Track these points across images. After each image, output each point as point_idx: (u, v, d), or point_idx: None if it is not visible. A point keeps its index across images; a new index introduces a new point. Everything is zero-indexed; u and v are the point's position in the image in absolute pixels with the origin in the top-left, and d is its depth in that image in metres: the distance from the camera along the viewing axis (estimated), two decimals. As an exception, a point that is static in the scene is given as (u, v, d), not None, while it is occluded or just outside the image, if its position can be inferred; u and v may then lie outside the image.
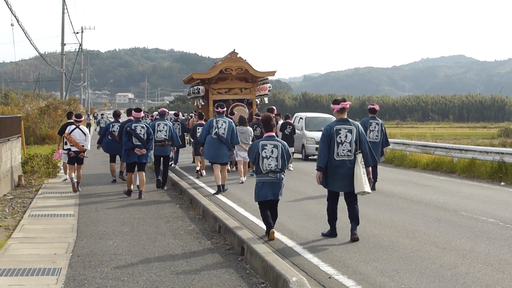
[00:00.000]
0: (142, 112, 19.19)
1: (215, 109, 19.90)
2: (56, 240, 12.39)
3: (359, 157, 12.02)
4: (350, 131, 12.00)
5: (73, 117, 21.44)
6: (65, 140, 20.67)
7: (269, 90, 28.96)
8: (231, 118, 21.65)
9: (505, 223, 13.80)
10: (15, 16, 36.58)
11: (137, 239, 12.37)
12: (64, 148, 20.85)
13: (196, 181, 22.04)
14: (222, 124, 19.24)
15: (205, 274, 9.53)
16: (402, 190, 19.76)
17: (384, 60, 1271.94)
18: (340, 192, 12.56)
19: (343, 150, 11.94)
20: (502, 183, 21.92)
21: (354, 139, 11.97)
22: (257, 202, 12.39)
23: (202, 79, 28.36)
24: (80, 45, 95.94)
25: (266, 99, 29.21)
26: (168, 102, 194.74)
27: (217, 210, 14.43)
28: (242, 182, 21.45)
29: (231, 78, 28.10)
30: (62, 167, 23.95)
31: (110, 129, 22.15)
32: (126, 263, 10.32)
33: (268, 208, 12.18)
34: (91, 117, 77.51)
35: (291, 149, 26.25)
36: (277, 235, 12.48)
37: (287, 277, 8.24)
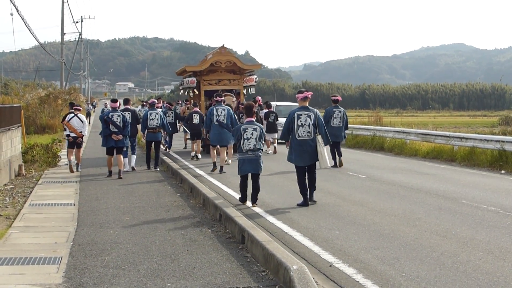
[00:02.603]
0: (117, 102, 21.95)
1: (214, 98, 22.76)
2: (57, 229, 12.40)
3: (320, 138, 14.59)
4: (309, 116, 14.58)
5: (73, 107, 23.08)
6: (64, 126, 22.83)
7: (255, 81, 31.67)
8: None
9: (505, 211, 13.80)
10: (14, 6, 36.53)
11: (138, 228, 12.38)
12: (64, 134, 23.20)
13: (196, 169, 22.10)
14: (221, 112, 21.76)
15: (206, 263, 9.54)
16: (403, 178, 19.75)
17: (384, 48, 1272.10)
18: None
19: (304, 131, 14.53)
20: (503, 171, 21.90)
21: (312, 123, 14.54)
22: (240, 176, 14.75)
23: (194, 71, 31.19)
24: (80, 34, 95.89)
25: (253, 90, 32.04)
26: (168, 92, 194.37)
27: (217, 198, 14.42)
28: (229, 163, 23.49)
29: (220, 71, 30.77)
30: (66, 154, 24.63)
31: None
32: (126, 252, 10.33)
33: (247, 181, 14.72)
34: (90, 106, 77.35)
35: (274, 135, 28.83)
36: (277, 223, 12.56)
37: (288, 265, 8.24)
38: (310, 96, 14.85)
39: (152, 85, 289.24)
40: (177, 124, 31.99)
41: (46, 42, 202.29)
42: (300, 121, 14.54)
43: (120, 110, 21.99)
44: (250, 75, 31.72)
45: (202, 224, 12.80)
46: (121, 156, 21.17)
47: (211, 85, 30.76)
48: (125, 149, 21.82)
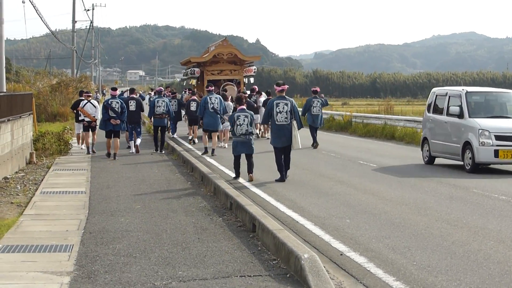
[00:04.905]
0: (117, 90, 24.97)
1: (206, 89, 25.73)
2: (68, 217, 12.43)
3: (295, 123, 16.86)
4: (286, 104, 16.98)
5: (84, 94, 25.48)
6: (79, 112, 24.88)
7: (254, 72, 35.00)
8: (225, 95, 27.48)
9: (517, 201, 13.77)
10: (26, -6, 36.49)
11: (149, 216, 12.40)
12: (79, 119, 25.18)
13: (207, 158, 22.12)
14: (214, 100, 23.68)
15: (217, 251, 9.54)
16: (414, 167, 19.71)
17: (395, 37, 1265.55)
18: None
19: (281, 117, 16.90)
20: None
21: (289, 110, 16.92)
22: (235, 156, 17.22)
23: (198, 62, 34.03)
24: (91, 22, 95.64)
25: (252, 79, 34.93)
26: (178, 80, 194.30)
27: (228, 187, 14.43)
28: (225, 147, 25.78)
29: (222, 62, 33.42)
30: (76, 139, 27.86)
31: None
32: (138, 240, 10.34)
33: (240, 160, 17.17)
34: (98, 94, 77.18)
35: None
36: (288, 212, 12.61)
37: (299, 254, 8.23)
38: (286, 88, 17.41)
39: (163, 73, 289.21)
40: (181, 112, 33.08)
41: (57, 30, 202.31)
42: (279, 108, 16.95)
43: (126, 98, 25.40)
44: (249, 65, 34.75)
45: (213, 212, 12.82)
46: (118, 140, 23.31)
47: (214, 75, 33.29)
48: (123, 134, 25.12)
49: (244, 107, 17.49)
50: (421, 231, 10.73)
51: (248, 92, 31.06)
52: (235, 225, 11.56)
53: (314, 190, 15.24)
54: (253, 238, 10.41)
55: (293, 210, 12.73)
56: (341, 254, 9.32)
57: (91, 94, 26.47)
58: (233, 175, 17.53)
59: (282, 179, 16.84)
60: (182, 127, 34.55)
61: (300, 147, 17.29)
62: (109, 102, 23.21)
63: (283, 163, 17.02)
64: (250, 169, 16.99)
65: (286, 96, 17.33)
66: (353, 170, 19.13)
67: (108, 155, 23.11)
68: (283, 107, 16.92)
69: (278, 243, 9.12)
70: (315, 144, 26.32)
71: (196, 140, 28.91)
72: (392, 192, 14.92)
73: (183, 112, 32.92)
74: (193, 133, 29.45)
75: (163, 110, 24.92)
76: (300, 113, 17.52)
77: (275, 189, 15.32)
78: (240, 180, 17.00)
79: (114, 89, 24.72)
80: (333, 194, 14.61)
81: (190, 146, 27.29)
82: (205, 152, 23.49)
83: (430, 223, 11.42)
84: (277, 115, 16.90)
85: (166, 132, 28.52)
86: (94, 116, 24.40)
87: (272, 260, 9.00)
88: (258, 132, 30.13)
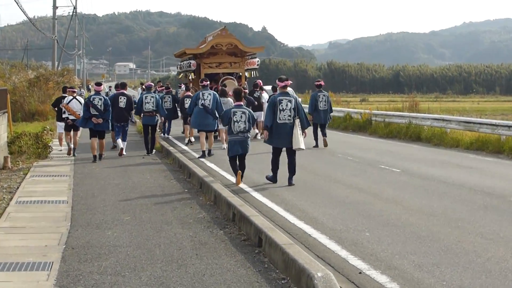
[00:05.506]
0: (102, 86, 25.39)
1: (200, 83, 25.39)
2: (47, 230, 12.40)
3: (297, 121, 17.24)
4: (290, 101, 17.30)
5: (68, 90, 25.90)
6: (62, 110, 25.20)
7: (257, 65, 34.88)
8: (225, 90, 27.17)
9: (561, 211, 13.72)
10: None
11: (140, 229, 12.38)
12: (62, 117, 25.36)
13: (207, 162, 22.11)
14: (207, 96, 23.88)
15: (218, 269, 9.51)
16: (442, 172, 19.68)
17: (421, 24, 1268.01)
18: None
19: (284, 115, 17.20)
20: (558, 165, 21.78)
21: (292, 107, 17.23)
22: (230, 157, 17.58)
23: (194, 54, 34.27)
24: (74, 8, 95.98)
25: (254, 73, 35.00)
26: (174, 73, 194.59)
27: (230, 195, 14.41)
28: (225, 149, 24.10)
29: (221, 53, 33.58)
30: (58, 141, 27.99)
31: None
32: (127, 256, 10.32)
33: (236, 160, 17.53)
34: (83, 90, 77.27)
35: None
36: (299, 223, 12.57)
37: (312, 272, 8.20)
38: (289, 83, 17.91)
39: (156, 65, 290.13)
40: (177, 109, 33.35)
41: (35, 17, 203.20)
42: (282, 105, 17.24)
43: (117, 95, 25.39)
44: (252, 58, 34.79)
45: (213, 224, 12.79)
46: (103, 140, 23.92)
47: (212, 68, 33.49)
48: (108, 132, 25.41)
49: (242, 103, 17.97)
50: (451, 246, 10.69)
51: (247, 89, 31.15)
52: (239, 239, 11.54)
53: (328, 199, 15.22)
54: (259, 254, 10.39)
55: (305, 222, 12.69)
56: (360, 273, 9.29)
57: (75, 90, 26.91)
58: (235, 180, 17.63)
59: (275, 180, 17.49)
60: (178, 126, 34.74)
61: (302, 148, 17.39)
62: (91, 99, 23.63)
63: (279, 163, 17.53)
64: (241, 175, 17.47)
65: (289, 93, 17.76)
66: (373, 175, 19.10)
67: (94, 157, 23.35)
68: (287, 104, 17.25)
69: (288, 259, 9.09)
70: (323, 143, 26.99)
71: (193, 139, 29.43)
72: (418, 201, 14.88)
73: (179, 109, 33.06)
74: (189, 132, 29.89)
75: (152, 107, 25.41)
76: (307, 110, 17.33)
77: (284, 197, 15.29)
78: (243, 186, 16.99)
79: (99, 84, 25.21)
80: (351, 203, 14.58)
81: (186, 148, 27.33)
82: (203, 156, 23.70)
83: (462, 236, 11.38)
84: (280, 113, 17.22)
85: (159, 132, 28.96)
86: (79, 114, 24.47)
87: (281, 280, 8.97)
88: (259, 132, 30.52)
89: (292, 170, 17.41)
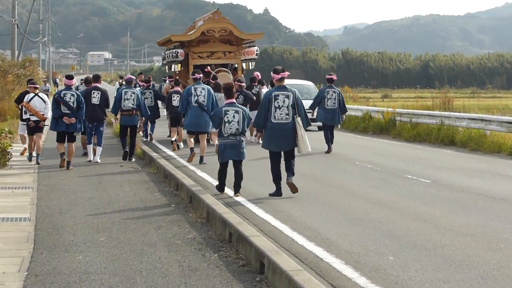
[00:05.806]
0: (73, 79, 25.03)
1: (192, 76, 25.39)
2: (6, 254, 12.41)
3: (299, 120, 17.29)
4: (288, 96, 17.33)
5: (29, 86, 25.58)
6: (24, 109, 24.90)
7: (256, 54, 34.99)
8: (219, 84, 26.23)
9: None
10: None
11: (117, 252, 12.37)
12: (23, 118, 25.24)
13: (198, 171, 22.11)
14: (201, 91, 23.80)
15: (211, 300, 9.50)
16: (481, 184, 19.69)
17: (455, 5, 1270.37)
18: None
19: (281, 114, 17.26)
20: None
21: (291, 104, 17.27)
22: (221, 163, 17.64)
23: (182, 41, 33.99)
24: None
25: (252, 64, 35.58)
26: (159, 64, 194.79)
27: (226, 211, 14.40)
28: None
29: (213, 41, 33.49)
30: (20, 139, 29.01)
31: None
32: (101, 285, 10.32)
33: (226, 169, 17.62)
34: (48, 84, 77.37)
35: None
36: (308, 245, 12.53)
37: (324, 305, 8.19)
38: (286, 75, 17.86)
39: (137, 55, 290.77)
40: (159, 108, 33.54)
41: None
42: (278, 102, 17.31)
43: (89, 89, 25.43)
44: (250, 46, 34.73)
45: (205, 246, 12.81)
46: (73, 145, 23.76)
47: (202, 59, 33.23)
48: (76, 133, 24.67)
49: (234, 100, 17.97)
50: (492, 272, 10.68)
51: (244, 82, 30.87)
52: (236, 264, 11.55)
53: (344, 215, 15.22)
54: (261, 282, 10.40)
55: (316, 243, 12.67)
56: (383, 305, 9.28)
57: (38, 86, 26.51)
58: (232, 193, 17.64)
59: (279, 193, 17.39)
60: (162, 127, 34.80)
61: (310, 151, 17.87)
62: (62, 95, 23.41)
63: (280, 172, 17.46)
64: (237, 184, 17.54)
65: (286, 86, 17.79)
66: (398, 187, 19.11)
67: (62, 156, 23.34)
68: (283, 101, 17.30)
69: (296, 289, 9.08)
70: (328, 150, 27.07)
71: (182, 145, 29.22)
72: (452, 218, 14.87)
73: (161, 107, 33.39)
74: (177, 135, 29.59)
75: (132, 104, 25.18)
76: (309, 107, 17.49)
77: (290, 214, 15.27)
78: (241, 199, 16.98)
79: (70, 77, 24.74)
80: (371, 221, 14.57)
81: (172, 154, 27.30)
82: (191, 153, 23.64)
83: (506, 261, 11.37)
84: (275, 111, 17.29)
85: (140, 135, 29.01)
86: (43, 114, 24.39)
87: (287, 313, 8.95)
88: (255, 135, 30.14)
89: (290, 170, 17.37)
